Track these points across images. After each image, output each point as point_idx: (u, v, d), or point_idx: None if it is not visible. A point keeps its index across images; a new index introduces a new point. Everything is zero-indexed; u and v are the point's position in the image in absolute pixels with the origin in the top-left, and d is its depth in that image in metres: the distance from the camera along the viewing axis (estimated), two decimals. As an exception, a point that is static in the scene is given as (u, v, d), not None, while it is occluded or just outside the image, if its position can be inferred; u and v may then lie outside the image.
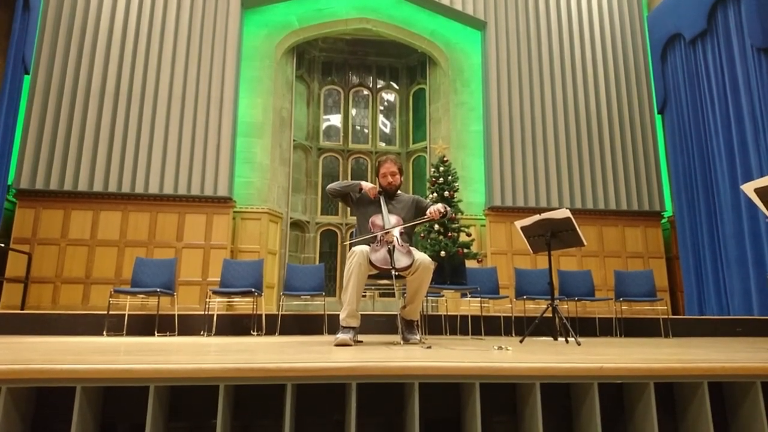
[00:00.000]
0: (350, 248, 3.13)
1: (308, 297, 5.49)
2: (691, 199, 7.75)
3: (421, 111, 9.67)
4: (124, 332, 4.93)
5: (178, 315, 5.15)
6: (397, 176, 3.51)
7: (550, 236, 3.87)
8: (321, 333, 5.10)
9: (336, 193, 3.52)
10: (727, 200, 6.95)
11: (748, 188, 2.89)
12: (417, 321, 3.41)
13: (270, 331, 5.16)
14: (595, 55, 8.69)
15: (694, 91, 7.82)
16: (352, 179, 9.57)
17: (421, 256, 3.12)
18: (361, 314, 3.11)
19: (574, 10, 8.79)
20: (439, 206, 3.27)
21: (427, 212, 3.30)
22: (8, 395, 1.43)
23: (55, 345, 2.83)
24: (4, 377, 1.41)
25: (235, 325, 5.26)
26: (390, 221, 3.27)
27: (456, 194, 6.89)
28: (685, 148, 7.95)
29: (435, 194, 6.97)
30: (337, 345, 2.77)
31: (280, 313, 5.24)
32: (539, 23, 8.64)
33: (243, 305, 6.21)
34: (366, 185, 3.45)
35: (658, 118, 8.70)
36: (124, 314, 5.01)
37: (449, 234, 6.45)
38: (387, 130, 10.14)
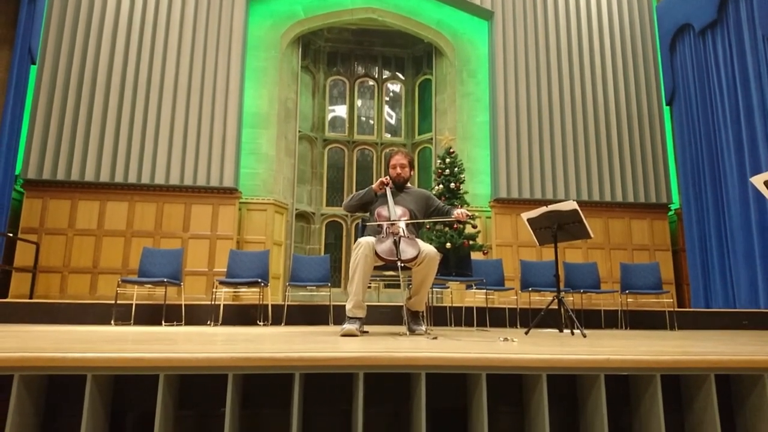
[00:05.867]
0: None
1: (314, 287, 5.52)
2: (699, 191, 7.69)
3: (427, 102, 9.60)
4: (132, 321, 4.98)
5: (185, 305, 5.19)
6: (407, 169, 3.52)
7: (557, 228, 3.86)
8: (326, 323, 5.14)
9: (356, 208, 3.55)
10: (735, 193, 6.89)
11: (758, 180, 2.87)
12: (422, 312, 3.42)
13: (276, 322, 5.20)
14: (603, 45, 8.59)
15: (703, 82, 7.73)
16: (357, 171, 9.58)
17: (427, 248, 3.12)
18: (367, 305, 3.13)
19: (582, -1, 8.69)
20: (465, 211, 3.33)
21: (454, 213, 3.32)
22: (21, 382, 1.45)
23: (64, 334, 2.86)
24: (16, 365, 1.43)
25: (242, 315, 5.30)
26: (395, 212, 3.27)
27: (462, 186, 6.88)
28: (693, 140, 7.88)
29: (441, 186, 6.96)
30: (344, 335, 2.79)
31: (286, 303, 5.27)
32: (546, 13, 8.55)
33: (249, 295, 6.25)
34: (376, 185, 3.46)
35: (666, 109, 8.61)
36: (132, 304, 5.06)
37: (455, 226, 6.45)
38: (392, 121, 10.10)
